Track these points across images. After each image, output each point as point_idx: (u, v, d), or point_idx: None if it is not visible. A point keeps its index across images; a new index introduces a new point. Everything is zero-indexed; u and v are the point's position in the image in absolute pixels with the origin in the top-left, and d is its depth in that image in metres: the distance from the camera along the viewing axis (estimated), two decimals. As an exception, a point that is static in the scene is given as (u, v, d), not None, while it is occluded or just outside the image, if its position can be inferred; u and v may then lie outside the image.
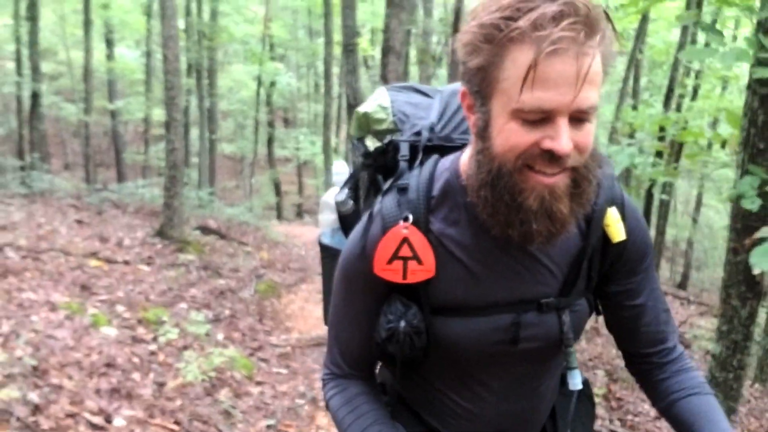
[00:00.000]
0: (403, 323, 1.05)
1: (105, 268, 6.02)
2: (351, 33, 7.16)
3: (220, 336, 5.00)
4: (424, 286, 1.06)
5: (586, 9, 0.84)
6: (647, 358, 1.20)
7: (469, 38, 0.91)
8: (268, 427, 3.64)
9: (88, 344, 3.87)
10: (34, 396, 2.95)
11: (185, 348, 4.37)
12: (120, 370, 3.69)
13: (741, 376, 3.77)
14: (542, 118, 0.88)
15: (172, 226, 8.18)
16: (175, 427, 3.24)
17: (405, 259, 1.03)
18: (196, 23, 14.41)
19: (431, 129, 1.18)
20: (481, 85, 0.94)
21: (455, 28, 6.61)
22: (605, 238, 1.10)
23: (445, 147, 1.14)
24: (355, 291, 1.13)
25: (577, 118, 0.89)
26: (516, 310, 1.07)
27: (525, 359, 1.12)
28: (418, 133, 1.18)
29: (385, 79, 5.97)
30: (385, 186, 1.12)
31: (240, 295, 6.79)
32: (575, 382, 1.11)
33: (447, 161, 1.08)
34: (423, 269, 1.03)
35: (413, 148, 1.15)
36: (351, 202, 1.28)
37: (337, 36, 12.39)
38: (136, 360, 3.92)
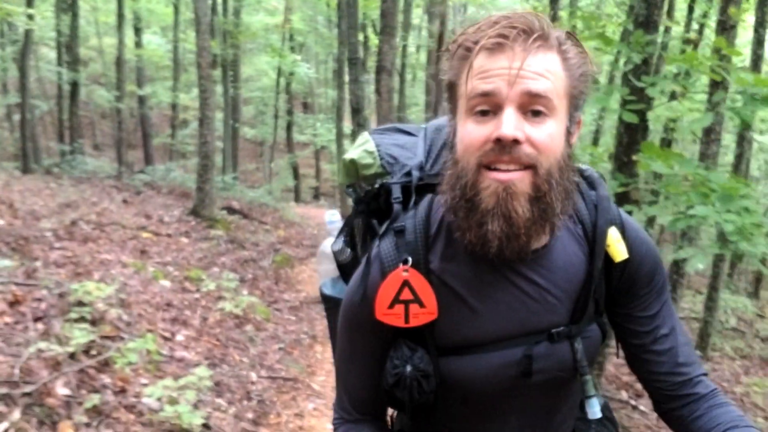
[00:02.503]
0: (409, 368, 1.04)
1: (154, 239, 7.57)
2: (354, 48, 8.59)
3: (245, 292, 6.52)
4: (429, 328, 1.05)
5: (524, 19, 0.93)
6: (672, 397, 1.14)
7: (444, 61, 1.01)
8: (279, 348, 5.20)
9: (152, 290, 5.41)
10: (125, 317, 4.49)
11: (220, 298, 5.91)
12: (176, 308, 5.23)
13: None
14: (491, 109, 0.93)
15: (204, 207, 9.73)
16: (216, 342, 4.79)
17: (406, 302, 1.02)
18: (221, 22, 15.84)
19: (421, 168, 1.17)
20: (451, 99, 1.02)
21: (438, 49, 7.98)
22: (608, 258, 1.08)
23: (437, 185, 1.07)
24: (359, 337, 1.12)
25: (532, 109, 0.93)
26: (526, 342, 1.05)
27: (540, 391, 1.09)
28: (409, 174, 1.16)
29: (379, 93, 7.42)
30: (382, 230, 1.11)
31: (260, 264, 8.34)
32: (594, 411, 1.08)
33: (442, 198, 1.04)
34: (425, 312, 1.02)
35: (405, 190, 1.13)
36: (348, 250, 1.26)
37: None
38: (186, 302, 5.46)
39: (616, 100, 4.79)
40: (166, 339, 4.50)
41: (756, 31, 8.43)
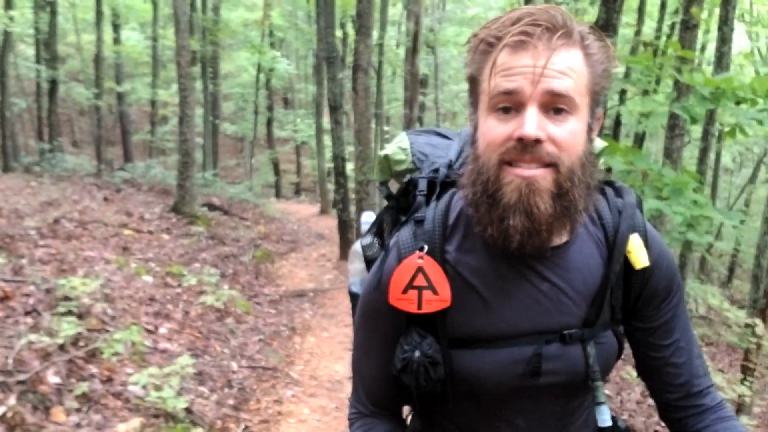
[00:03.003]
0: (417, 353, 1.04)
1: (135, 236, 7.73)
2: (331, 47, 8.79)
3: (225, 286, 6.72)
4: (441, 317, 1.05)
5: (547, 15, 0.93)
6: (681, 407, 1.14)
7: (466, 54, 1.01)
8: (259, 339, 5.42)
9: (135, 286, 5.59)
10: (110, 311, 4.67)
11: (201, 292, 6.10)
12: (159, 302, 5.42)
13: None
14: (513, 106, 0.94)
15: (184, 204, 9.88)
16: (198, 335, 4.99)
17: (420, 288, 1.03)
18: (200, 19, 15.92)
19: (449, 166, 1.18)
20: (472, 93, 1.03)
21: (414, 49, 8.21)
22: (628, 265, 1.07)
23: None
24: (374, 324, 1.14)
25: (553, 108, 0.93)
26: (538, 341, 1.04)
27: (550, 394, 1.08)
28: (436, 170, 1.18)
29: (355, 91, 7.63)
30: (403, 220, 1.13)
31: (240, 259, 8.53)
32: (603, 419, 1.07)
33: (463, 193, 1.05)
34: (438, 299, 1.03)
35: (431, 184, 1.15)
36: (377, 246, 1.28)
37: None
38: (168, 297, 5.64)
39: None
40: (149, 332, 4.69)
41: (720, 29, 8.75)
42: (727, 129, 4.26)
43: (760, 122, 4.11)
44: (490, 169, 0.96)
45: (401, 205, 1.23)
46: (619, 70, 10.15)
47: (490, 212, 0.97)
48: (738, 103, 4.23)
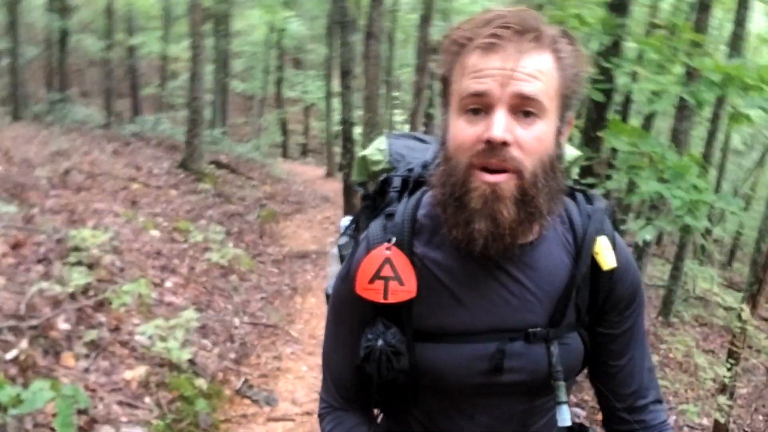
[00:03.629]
0: (381, 342, 1.05)
1: (144, 190, 7.84)
2: (344, 11, 8.76)
3: (230, 244, 6.85)
4: (407, 309, 1.07)
5: (518, 18, 0.94)
6: (624, 419, 1.18)
7: (439, 55, 1.02)
8: (261, 298, 5.57)
9: (143, 239, 5.71)
10: (118, 263, 4.81)
11: (206, 249, 6.23)
12: (165, 257, 5.55)
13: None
14: (482, 108, 0.95)
15: (192, 160, 9.97)
16: (203, 290, 5.13)
17: (386, 279, 1.04)
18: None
19: (424, 166, 1.21)
20: (444, 93, 1.04)
21: (427, 15, 8.17)
22: (595, 267, 1.09)
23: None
24: (342, 316, 1.16)
25: (523, 110, 0.94)
26: (502, 338, 1.05)
27: (513, 393, 1.10)
28: (411, 170, 1.21)
29: (367, 57, 7.64)
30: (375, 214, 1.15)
31: (246, 218, 8.66)
32: (563, 418, 1.06)
33: (433, 192, 1.07)
34: (404, 290, 1.04)
35: (404, 182, 1.18)
36: (353, 246, 1.26)
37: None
38: (174, 252, 5.78)
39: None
40: (156, 285, 4.83)
41: (737, 11, 8.68)
42: (733, 114, 4.30)
43: (766, 110, 4.15)
44: (459, 172, 0.98)
45: (377, 205, 1.22)
46: (632, 45, 10.09)
47: (457, 215, 0.99)
48: (746, 90, 4.27)
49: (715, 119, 9.04)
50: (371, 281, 1.06)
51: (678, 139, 7.37)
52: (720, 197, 4.58)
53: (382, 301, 1.05)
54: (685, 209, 4.14)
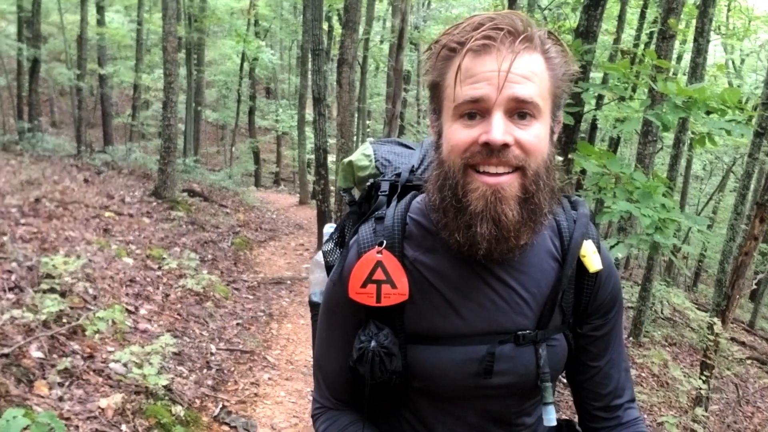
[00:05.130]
0: (373, 343, 1.06)
1: (116, 218, 7.77)
2: (318, 39, 8.87)
3: (205, 271, 6.80)
4: (399, 311, 1.07)
5: (508, 20, 0.94)
6: (600, 417, 1.20)
7: (427, 61, 1.03)
8: (237, 324, 5.53)
9: (116, 267, 5.66)
10: (91, 290, 4.75)
11: (181, 276, 6.18)
12: (139, 284, 5.50)
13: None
14: (478, 112, 0.95)
15: (165, 188, 9.91)
16: (178, 317, 5.09)
17: (379, 282, 1.05)
18: (187, 6, 15.87)
19: (412, 171, 1.22)
20: (435, 99, 1.04)
21: (399, 45, 8.33)
22: (581, 269, 1.11)
23: (423, 186, 1.12)
24: (335, 319, 1.16)
25: (518, 112, 0.95)
26: (492, 341, 1.06)
27: (502, 395, 1.10)
28: (399, 175, 1.21)
29: (339, 84, 7.74)
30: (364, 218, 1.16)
31: (220, 245, 8.60)
32: (549, 418, 1.09)
33: (428, 198, 1.08)
34: (397, 293, 1.04)
35: (393, 186, 1.18)
36: (338, 253, 1.30)
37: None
38: (148, 279, 5.72)
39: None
40: (130, 312, 4.78)
41: (696, 40, 8.99)
42: (697, 137, 4.45)
43: (729, 132, 4.30)
44: (455, 174, 0.97)
45: (363, 211, 1.22)
46: (597, 75, 10.37)
47: (457, 219, 0.98)
48: (708, 113, 4.42)
49: (677, 144, 9.29)
50: (364, 285, 1.06)
51: (643, 162, 7.58)
52: (687, 216, 4.72)
53: (375, 304, 1.05)
54: (654, 228, 4.25)
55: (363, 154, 1.33)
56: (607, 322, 1.17)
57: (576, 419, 1.29)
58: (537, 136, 0.96)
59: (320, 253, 1.41)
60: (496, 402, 1.12)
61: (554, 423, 1.10)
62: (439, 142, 1.04)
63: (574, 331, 1.17)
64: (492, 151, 0.93)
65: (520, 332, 1.07)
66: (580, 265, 1.11)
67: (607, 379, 1.19)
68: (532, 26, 0.97)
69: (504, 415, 1.14)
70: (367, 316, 1.10)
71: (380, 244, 1.07)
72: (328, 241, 1.35)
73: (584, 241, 1.11)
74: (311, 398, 1.28)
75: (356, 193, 1.35)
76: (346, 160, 1.36)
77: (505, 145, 0.93)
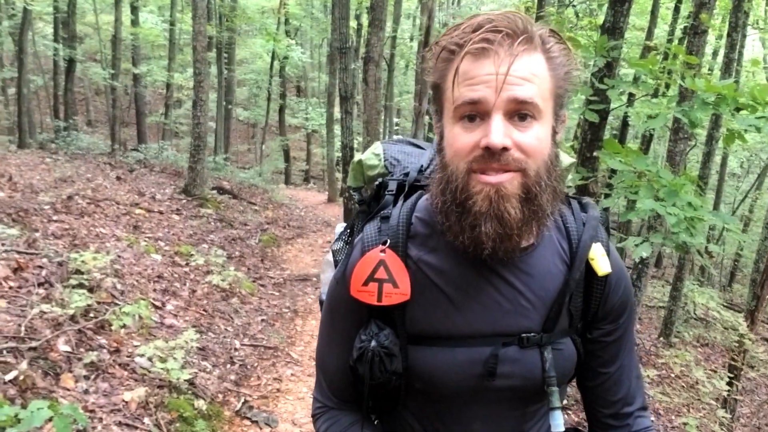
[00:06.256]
0: (374, 343, 1.05)
1: (146, 215, 7.90)
2: (344, 37, 8.90)
3: (231, 267, 6.88)
4: (401, 311, 1.07)
5: (507, 21, 0.93)
6: (609, 425, 1.19)
7: (428, 62, 1.02)
8: (262, 320, 5.58)
9: (144, 263, 5.76)
10: (119, 286, 4.84)
11: (208, 272, 6.27)
12: (166, 280, 5.59)
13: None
14: (478, 115, 0.94)
15: (195, 186, 10.05)
16: (203, 312, 5.16)
17: (380, 281, 1.04)
18: (218, 5, 16.07)
19: (420, 171, 1.21)
20: (436, 101, 1.03)
21: (425, 43, 8.31)
22: (590, 274, 1.10)
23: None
24: (337, 317, 1.16)
25: (518, 113, 0.93)
26: (496, 343, 1.05)
27: (507, 399, 1.09)
28: (407, 174, 1.21)
29: (366, 82, 7.75)
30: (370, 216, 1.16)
31: (248, 242, 8.70)
32: (556, 423, 1.06)
33: (432, 200, 1.07)
34: (398, 292, 1.04)
35: (400, 186, 1.18)
36: (347, 250, 1.27)
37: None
38: (176, 275, 5.81)
39: (580, 99, 5.13)
40: (156, 307, 4.87)
41: (729, 35, 8.81)
42: (726, 134, 4.36)
43: (758, 129, 4.20)
44: (458, 178, 0.97)
45: (372, 210, 1.21)
46: (627, 71, 10.21)
47: (461, 220, 0.98)
48: (738, 109, 4.33)
49: (710, 141, 9.11)
50: (365, 283, 1.06)
51: (674, 160, 7.43)
52: (716, 214, 4.62)
53: (376, 303, 1.05)
54: (682, 226, 4.18)
55: (373, 154, 1.34)
56: (617, 327, 1.15)
57: (586, 427, 1.27)
58: (537, 138, 0.95)
59: (330, 254, 1.41)
60: (500, 406, 1.10)
61: (561, 429, 1.07)
62: (441, 144, 1.03)
63: (583, 336, 1.15)
64: (492, 155, 0.93)
65: (524, 335, 1.06)
66: (589, 269, 1.10)
67: (617, 386, 1.17)
68: (532, 26, 0.96)
69: (509, 420, 1.12)
70: (369, 316, 1.10)
71: (384, 243, 1.07)
72: (338, 239, 1.35)
73: (593, 243, 1.09)
74: (312, 397, 1.24)
75: (366, 192, 1.35)
76: (355, 159, 1.36)
77: (505, 149, 0.93)
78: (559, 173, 1.04)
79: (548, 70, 0.97)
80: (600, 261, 1.08)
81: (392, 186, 1.19)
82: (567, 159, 1.25)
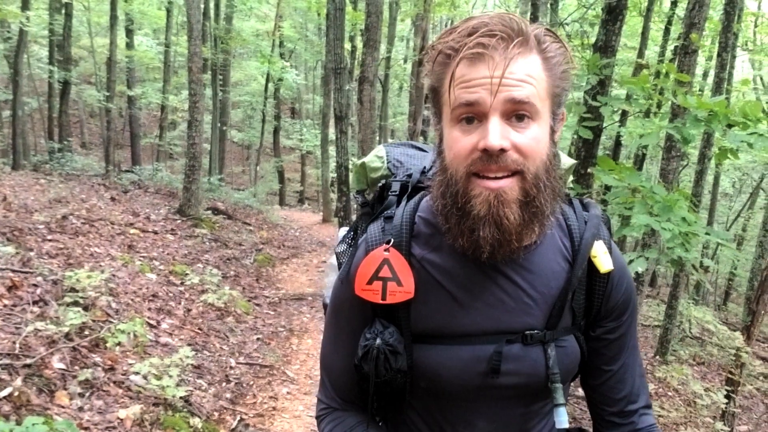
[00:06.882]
0: (379, 341, 1.06)
1: (141, 235, 7.89)
2: (339, 58, 8.98)
3: (227, 287, 6.86)
4: (405, 310, 1.07)
5: (502, 24, 0.94)
6: (614, 423, 1.19)
7: (425, 65, 1.03)
8: (257, 339, 5.55)
9: (139, 282, 5.73)
10: (114, 304, 4.82)
11: (203, 291, 6.24)
12: (161, 299, 5.56)
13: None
14: (475, 117, 0.95)
15: (190, 206, 10.05)
16: (198, 331, 5.13)
17: (385, 279, 1.05)
18: (213, 28, 16.20)
19: (422, 172, 1.22)
20: (435, 104, 1.04)
21: (420, 63, 8.40)
22: (592, 271, 1.10)
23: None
24: (342, 317, 1.16)
25: (515, 114, 0.94)
26: (499, 341, 1.05)
27: (511, 396, 1.09)
28: (410, 175, 1.23)
29: (360, 102, 7.81)
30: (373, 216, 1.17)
31: (242, 262, 8.68)
32: (561, 420, 1.06)
33: (433, 203, 1.08)
34: (402, 291, 1.04)
35: (403, 187, 1.20)
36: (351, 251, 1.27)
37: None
38: (170, 294, 5.79)
39: (573, 118, 5.18)
40: (151, 326, 4.84)
41: (719, 55, 8.93)
42: (718, 151, 4.40)
43: (750, 145, 4.25)
44: (458, 181, 0.98)
45: (375, 212, 1.22)
46: (620, 92, 10.32)
47: (460, 224, 0.99)
48: (730, 126, 4.38)
49: (702, 159, 9.19)
50: (370, 282, 1.06)
51: (666, 178, 7.49)
52: (710, 230, 4.65)
53: (380, 301, 1.05)
54: (677, 241, 4.20)
55: (375, 156, 1.34)
56: (620, 324, 1.16)
57: (591, 427, 1.26)
58: (535, 139, 0.96)
59: (334, 257, 1.41)
60: (504, 404, 1.11)
61: (566, 425, 1.07)
62: (440, 147, 1.04)
63: (586, 334, 1.16)
64: (491, 156, 0.93)
65: (528, 332, 1.07)
66: (592, 267, 1.10)
67: (621, 384, 1.17)
68: (527, 27, 0.96)
69: (513, 418, 1.12)
70: (373, 315, 1.10)
71: (388, 242, 1.08)
72: (341, 242, 1.35)
73: (595, 241, 1.10)
74: (316, 399, 1.24)
75: (369, 195, 1.35)
76: (358, 161, 1.37)
77: (503, 150, 0.93)
78: (559, 173, 1.05)
79: (544, 70, 0.98)
80: (602, 258, 1.09)
81: (395, 187, 1.20)
82: (568, 160, 1.27)
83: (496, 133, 0.92)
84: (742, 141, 4.29)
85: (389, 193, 1.20)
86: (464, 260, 1.06)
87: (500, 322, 1.06)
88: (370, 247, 1.10)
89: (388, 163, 1.31)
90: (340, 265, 1.33)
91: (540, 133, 0.97)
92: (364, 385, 1.13)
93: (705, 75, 14.73)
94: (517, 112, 0.94)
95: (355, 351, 1.11)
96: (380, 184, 1.26)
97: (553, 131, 1.02)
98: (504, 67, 0.92)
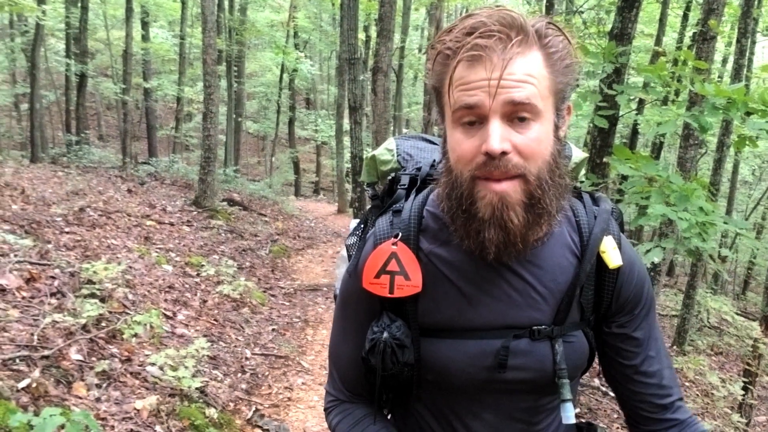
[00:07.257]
0: (386, 334, 1.06)
1: (157, 226, 7.95)
2: (353, 48, 8.95)
3: (242, 278, 6.90)
4: (413, 303, 1.07)
5: (500, 24, 0.91)
6: (652, 419, 1.16)
7: (427, 65, 1.03)
8: (273, 329, 5.58)
9: (155, 274, 5.78)
10: (131, 296, 4.87)
11: (219, 282, 6.28)
12: (177, 291, 5.61)
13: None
14: (477, 119, 0.94)
15: (205, 198, 10.10)
16: (214, 322, 5.17)
17: (392, 273, 1.05)
18: (227, 19, 16.21)
19: (432, 165, 1.22)
20: (438, 103, 1.04)
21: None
22: (601, 267, 1.09)
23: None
24: (350, 311, 1.17)
25: (516, 117, 0.93)
26: (507, 335, 1.05)
27: (518, 391, 1.09)
28: (419, 169, 1.22)
29: (374, 92, 7.79)
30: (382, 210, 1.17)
31: (258, 253, 8.72)
32: (567, 416, 1.05)
33: (439, 203, 1.08)
34: (410, 284, 1.05)
35: (412, 180, 1.20)
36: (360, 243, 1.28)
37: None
38: (186, 285, 5.83)
39: (589, 107, 5.12)
40: (167, 317, 4.88)
41: (738, 41, 8.79)
42: (737, 139, 4.34)
43: (768, 133, 4.18)
44: (463, 184, 0.98)
45: (386, 204, 1.22)
46: (637, 80, 10.19)
47: (466, 225, 0.99)
48: (748, 113, 4.31)
49: (721, 148, 9.07)
50: (377, 276, 1.07)
51: (684, 167, 7.40)
52: (728, 219, 4.59)
53: (387, 295, 1.06)
54: (694, 231, 4.15)
55: (386, 149, 1.34)
56: (633, 318, 1.14)
57: (598, 422, 1.24)
58: (536, 140, 0.95)
59: (344, 249, 1.40)
60: (512, 398, 1.10)
61: (572, 420, 1.07)
62: (445, 147, 1.04)
63: (600, 330, 1.16)
64: (493, 160, 0.93)
65: (535, 327, 1.06)
66: (601, 262, 1.09)
67: (648, 378, 1.15)
68: (527, 22, 0.94)
69: (521, 413, 1.12)
70: (381, 308, 1.11)
71: (396, 236, 1.09)
72: (351, 234, 1.34)
73: (604, 236, 1.09)
74: (325, 391, 1.24)
75: (380, 188, 1.35)
76: (369, 154, 1.36)
77: (504, 153, 0.93)
78: (565, 169, 1.04)
79: (546, 67, 0.96)
80: (611, 254, 1.08)
81: (405, 180, 1.20)
82: (579, 154, 1.25)
83: (497, 137, 0.92)
84: (761, 129, 4.22)
85: (398, 187, 1.20)
86: (472, 256, 1.05)
87: (507, 316, 1.06)
88: (378, 241, 1.10)
89: (398, 156, 1.31)
90: (350, 257, 1.33)
91: (542, 133, 0.96)
92: (371, 378, 1.14)
93: (724, 61, 14.51)
94: (518, 114, 0.93)
95: (362, 344, 1.11)
96: (390, 177, 1.26)
97: (557, 128, 1.01)
98: (502, 69, 0.91)
